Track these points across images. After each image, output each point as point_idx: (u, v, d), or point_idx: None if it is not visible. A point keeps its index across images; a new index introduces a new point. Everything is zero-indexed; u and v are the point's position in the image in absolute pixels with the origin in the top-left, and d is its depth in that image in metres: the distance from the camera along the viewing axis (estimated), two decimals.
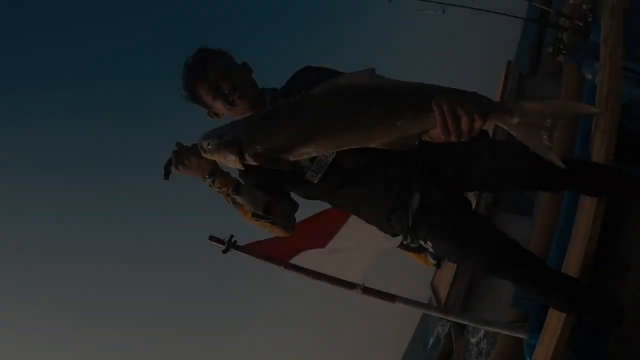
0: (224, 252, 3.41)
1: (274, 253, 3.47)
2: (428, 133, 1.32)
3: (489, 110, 1.26)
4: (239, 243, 3.50)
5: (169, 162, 1.72)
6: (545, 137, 1.27)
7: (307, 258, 3.51)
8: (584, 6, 3.65)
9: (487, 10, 4.05)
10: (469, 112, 1.22)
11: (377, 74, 1.35)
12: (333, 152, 1.81)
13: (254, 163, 1.42)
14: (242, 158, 1.42)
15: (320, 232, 3.65)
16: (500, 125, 1.30)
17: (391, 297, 3.01)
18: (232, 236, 3.45)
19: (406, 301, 2.96)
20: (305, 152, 1.40)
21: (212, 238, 3.45)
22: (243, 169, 1.51)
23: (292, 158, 1.39)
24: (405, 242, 1.93)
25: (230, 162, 1.48)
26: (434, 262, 5.65)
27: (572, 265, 2.01)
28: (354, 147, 1.39)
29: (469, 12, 4.12)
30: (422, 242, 1.82)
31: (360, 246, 3.63)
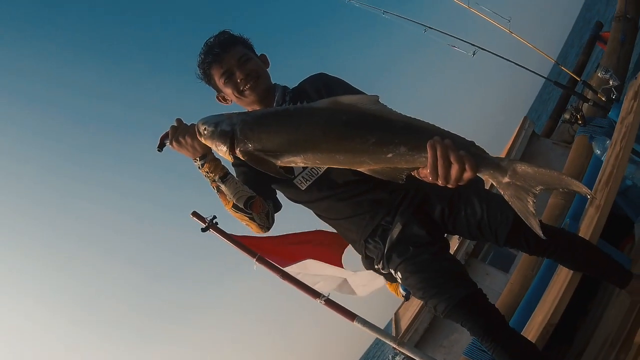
0: (203, 230, 3.42)
1: (252, 247, 3.49)
2: (418, 170, 1.32)
3: (482, 163, 1.26)
4: (220, 226, 3.52)
5: (165, 136, 1.74)
6: (531, 202, 1.27)
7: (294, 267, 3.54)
8: (611, 82, 3.67)
9: (516, 63, 4.06)
10: (461, 160, 1.22)
11: (380, 102, 1.35)
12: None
13: (243, 159, 1.44)
14: (232, 151, 1.44)
15: (300, 251, 3.70)
16: (490, 180, 1.30)
17: (351, 316, 3.02)
18: (214, 217, 3.47)
19: (365, 323, 2.96)
20: (292, 162, 1.40)
21: (195, 214, 3.47)
22: (232, 161, 1.52)
23: (279, 163, 1.41)
24: (376, 267, 1.93)
25: (221, 152, 1.50)
26: (403, 293, 5.70)
27: (533, 330, 2.03)
28: (340, 168, 1.40)
29: (498, 60, 4.15)
30: (393, 272, 1.85)
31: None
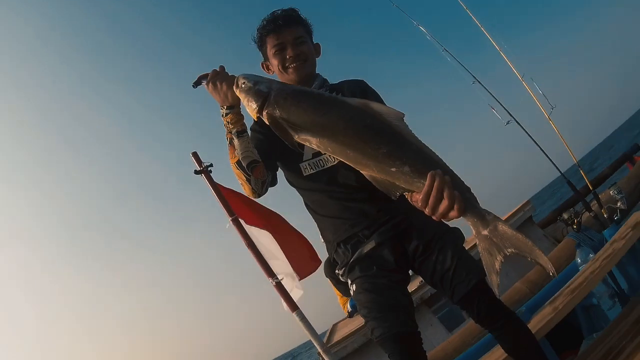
0: (196, 172, 3.48)
1: (233, 206, 3.53)
2: (412, 194, 1.38)
3: (470, 209, 1.32)
4: (215, 174, 3.58)
5: (205, 76, 1.81)
6: (500, 260, 1.33)
7: (256, 231, 3.59)
8: (619, 204, 3.74)
9: (541, 149, 4.12)
10: (452, 199, 1.28)
11: (403, 121, 1.42)
12: (335, 159, 1.90)
13: (266, 121, 1.52)
14: (260, 111, 1.53)
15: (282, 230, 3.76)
16: (471, 227, 1.36)
17: (294, 307, 3.08)
18: (211, 164, 3.53)
19: (303, 318, 3.02)
20: (308, 141, 1.48)
21: (195, 155, 3.52)
22: (256, 120, 1.60)
23: (296, 139, 1.48)
24: (337, 272, 2.00)
25: (249, 109, 1.58)
26: (350, 309, 5.80)
27: None
28: (346, 163, 1.47)
29: (526, 137, 4.19)
30: (349, 282, 1.92)
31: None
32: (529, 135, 4.16)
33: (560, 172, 4.18)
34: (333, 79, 2.15)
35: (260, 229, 3.70)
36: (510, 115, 4.12)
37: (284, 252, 3.71)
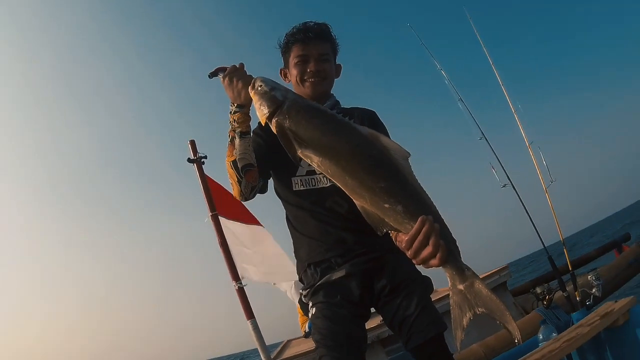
0: (189, 160, 3.49)
1: (217, 202, 3.54)
2: (398, 233, 1.37)
3: (451, 261, 1.31)
4: (206, 167, 3.59)
5: (222, 70, 1.81)
6: (468, 317, 1.32)
7: (235, 227, 3.58)
8: (594, 290, 3.74)
9: (531, 219, 4.13)
10: (436, 247, 1.26)
11: (407, 161, 1.42)
12: (328, 182, 1.89)
13: (273, 129, 1.50)
14: (270, 117, 1.50)
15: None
16: (447, 278, 1.35)
17: (250, 314, 3.06)
18: (205, 156, 3.55)
19: (255, 328, 3.01)
20: (309, 158, 1.45)
21: (192, 143, 3.54)
22: (263, 125, 1.58)
23: (298, 152, 1.46)
24: (301, 291, 1.99)
25: (259, 113, 1.55)
26: (307, 330, 5.75)
27: None
28: (342, 188, 1.45)
29: (518, 203, 4.20)
30: (310, 304, 1.90)
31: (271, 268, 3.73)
32: (522, 203, 4.17)
33: (544, 246, 4.18)
34: (343, 99, 2.15)
35: (243, 223, 3.70)
36: (509, 179, 4.12)
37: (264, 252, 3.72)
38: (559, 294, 3.89)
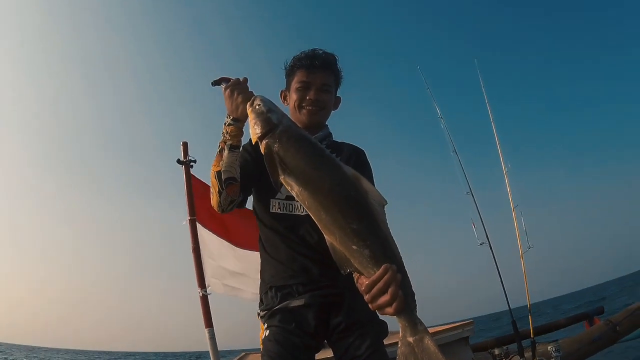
0: (178, 161, 3.51)
1: (198, 207, 3.55)
2: (360, 276, 1.39)
3: (405, 313, 1.32)
4: (195, 170, 3.61)
5: (227, 81, 1.84)
6: None
7: (208, 237, 3.59)
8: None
9: (501, 279, 4.16)
10: (394, 297, 1.27)
11: (383, 208, 1.44)
12: (304, 211, 1.90)
13: (262, 150, 1.53)
14: (260, 138, 1.54)
15: (240, 235, 3.75)
16: (400, 329, 1.35)
17: (209, 323, 3.06)
18: (195, 160, 3.58)
19: (212, 337, 3.00)
20: (290, 185, 1.49)
21: (184, 145, 3.57)
22: (253, 143, 1.62)
23: (280, 178, 1.49)
24: (258, 311, 2.00)
25: (252, 131, 1.59)
26: None
27: None
28: (315, 222, 1.47)
29: (491, 263, 4.24)
30: (265, 326, 1.92)
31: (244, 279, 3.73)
32: (495, 264, 4.21)
33: (509, 308, 4.22)
34: (335, 126, 2.17)
35: (217, 235, 3.71)
36: (487, 238, 4.17)
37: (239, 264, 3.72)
38: (516, 358, 3.91)
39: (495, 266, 4.21)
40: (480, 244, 4.16)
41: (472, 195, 4.33)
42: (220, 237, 3.64)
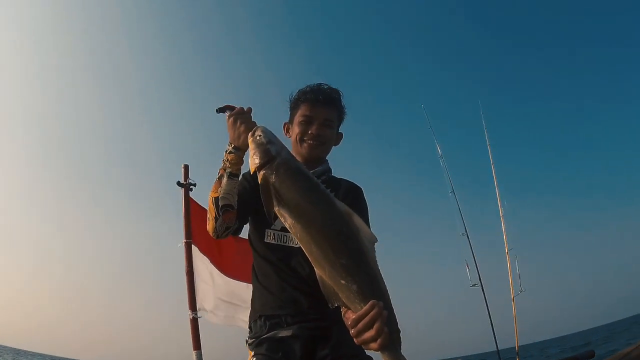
0: (178, 184, 3.54)
1: (194, 231, 3.56)
2: (347, 310, 1.42)
3: (389, 350, 1.33)
4: (193, 193, 3.63)
5: (232, 109, 1.88)
6: None
7: (202, 262, 3.59)
8: None
9: (490, 321, 4.15)
10: (379, 333, 1.29)
11: (373, 245, 1.47)
12: (298, 244, 1.93)
13: (259, 180, 1.56)
14: (258, 168, 1.57)
15: (232, 264, 3.76)
16: None
17: (197, 345, 3.06)
18: (195, 184, 3.60)
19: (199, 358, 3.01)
20: (283, 217, 1.51)
21: (185, 168, 3.60)
22: (252, 173, 1.64)
23: (275, 209, 1.52)
24: (247, 338, 2.01)
25: (251, 161, 1.62)
26: None
27: None
28: (306, 254, 1.50)
29: (482, 304, 4.23)
30: (251, 354, 1.94)
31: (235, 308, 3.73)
32: (486, 306, 4.20)
33: (497, 349, 4.21)
34: (334, 159, 2.20)
35: (211, 262, 3.71)
36: (480, 280, 4.17)
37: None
38: None
39: (486, 308, 4.21)
40: (473, 285, 4.17)
41: (468, 237, 4.35)
42: (212, 264, 3.65)
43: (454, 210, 4.54)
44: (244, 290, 3.61)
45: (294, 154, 1.97)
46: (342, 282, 1.39)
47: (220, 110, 1.92)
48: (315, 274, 1.49)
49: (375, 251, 1.47)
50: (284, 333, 1.90)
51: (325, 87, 2.10)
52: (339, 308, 1.45)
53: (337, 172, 2.22)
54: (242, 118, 1.82)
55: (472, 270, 4.15)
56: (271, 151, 1.59)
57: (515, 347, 4.33)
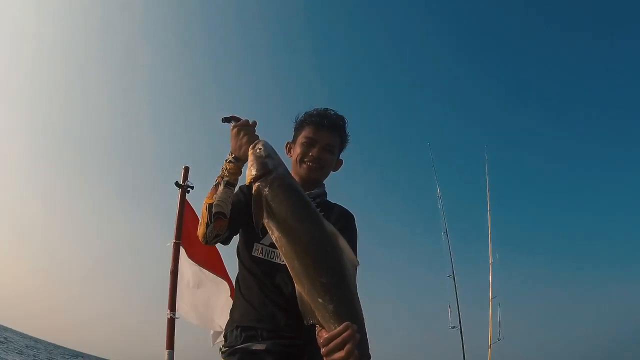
0: (176, 184, 3.58)
1: (184, 233, 3.60)
2: (320, 329, 1.45)
3: None
4: (190, 195, 3.66)
5: (237, 120, 1.92)
6: None
7: (187, 264, 3.62)
8: None
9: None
10: (349, 356, 1.31)
11: (355, 269, 1.52)
12: (284, 261, 1.96)
13: (253, 191, 1.62)
14: (254, 180, 1.63)
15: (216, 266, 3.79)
16: None
17: (171, 345, 3.07)
18: (193, 187, 3.64)
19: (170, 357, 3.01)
20: (271, 229, 1.57)
21: (186, 169, 3.64)
22: (247, 183, 1.70)
23: (264, 220, 1.57)
24: (221, 346, 2.03)
25: (247, 172, 1.69)
26: None
27: None
28: (289, 269, 1.54)
29: (460, 347, 4.22)
30: None
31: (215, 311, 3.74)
32: (462, 349, 4.20)
33: None
34: (331, 183, 2.23)
35: (197, 264, 3.74)
36: (460, 323, 4.17)
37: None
38: None
39: (462, 351, 4.20)
40: (452, 327, 4.17)
41: (454, 280, 4.36)
42: (198, 264, 3.67)
43: (444, 251, 4.57)
44: (225, 296, 3.64)
45: (292, 174, 2.01)
46: (320, 300, 1.43)
47: (226, 120, 1.96)
48: (295, 292, 1.52)
49: (356, 275, 1.52)
50: (258, 346, 1.91)
51: (332, 112, 2.15)
52: (314, 327, 1.48)
53: (332, 197, 2.24)
54: (245, 130, 1.87)
55: (454, 313, 4.16)
56: (268, 165, 1.65)
57: None
